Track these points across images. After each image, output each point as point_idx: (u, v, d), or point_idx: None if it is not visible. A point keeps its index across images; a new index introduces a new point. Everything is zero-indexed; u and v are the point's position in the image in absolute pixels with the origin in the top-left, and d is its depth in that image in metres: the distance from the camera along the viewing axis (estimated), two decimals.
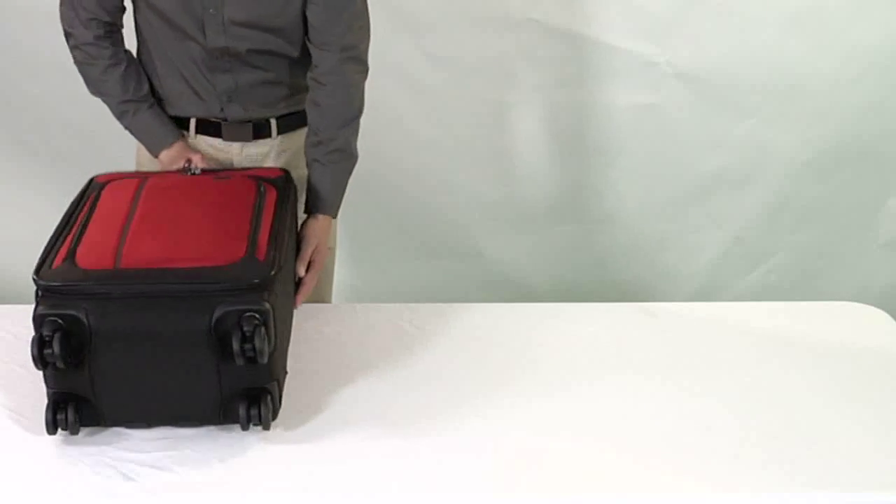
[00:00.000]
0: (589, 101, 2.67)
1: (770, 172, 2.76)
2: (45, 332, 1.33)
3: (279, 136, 1.91)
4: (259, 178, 1.68)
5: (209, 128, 1.89)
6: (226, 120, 1.87)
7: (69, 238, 1.48)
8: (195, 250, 1.45)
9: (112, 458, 1.38)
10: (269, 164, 1.90)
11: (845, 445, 1.44)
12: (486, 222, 2.86)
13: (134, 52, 1.91)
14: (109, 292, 1.38)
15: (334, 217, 1.87)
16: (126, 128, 1.90)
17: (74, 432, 1.39)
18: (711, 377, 1.62)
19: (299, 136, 1.92)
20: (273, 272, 1.42)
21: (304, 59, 1.85)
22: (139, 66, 1.88)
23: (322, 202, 1.83)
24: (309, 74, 1.82)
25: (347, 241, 2.79)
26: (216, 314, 1.36)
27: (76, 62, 1.89)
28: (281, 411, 1.47)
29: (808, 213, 2.83)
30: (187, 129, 1.90)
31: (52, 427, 1.38)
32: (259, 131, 1.88)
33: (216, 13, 1.76)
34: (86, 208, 1.55)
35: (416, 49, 2.54)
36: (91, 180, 1.66)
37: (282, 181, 1.70)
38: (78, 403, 1.38)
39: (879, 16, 2.56)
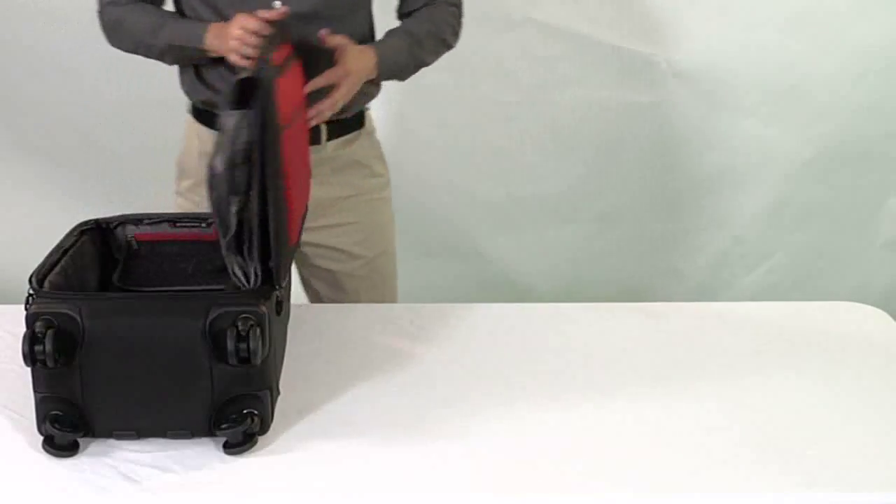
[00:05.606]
0: (589, 100, 2.67)
1: (770, 172, 2.77)
2: (38, 329, 1.33)
3: (330, 143, 1.86)
4: None
5: None
6: None
7: (64, 257, 1.49)
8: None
9: (112, 459, 1.38)
10: (320, 172, 1.81)
11: (845, 445, 1.44)
12: (486, 222, 2.87)
13: None
14: (104, 291, 1.38)
15: (379, 69, 1.80)
16: (164, 45, 1.80)
17: (71, 451, 1.40)
18: (711, 377, 1.62)
19: (352, 147, 1.89)
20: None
21: None
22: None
23: (377, 45, 1.81)
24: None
25: None
26: (211, 315, 1.36)
27: (102, 16, 1.84)
28: (281, 411, 1.47)
29: (808, 213, 2.83)
30: None
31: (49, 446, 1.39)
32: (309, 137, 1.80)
33: (282, 6, 1.71)
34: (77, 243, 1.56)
35: None
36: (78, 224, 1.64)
37: None
38: (67, 416, 1.38)
39: (879, 16, 2.56)
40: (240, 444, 1.39)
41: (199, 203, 1.88)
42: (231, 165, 1.36)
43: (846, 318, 1.84)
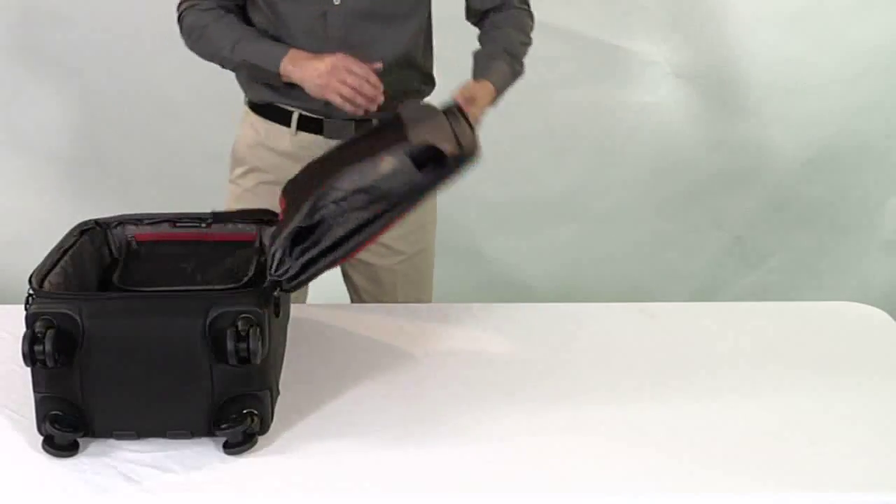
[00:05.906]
0: (589, 100, 2.67)
1: (770, 172, 2.77)
2: (38, 329, 1.33)
3: None
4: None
5: (311, 125, 1.84)
6: (329, 117, 1.82)
7: (64, 257, 1.49)
8: None
9: (112, 459, 1.38)
10: None
11: (845, 445, 1.44)
12: (486, 222, 2.87)
13: None
14: (104, 291, 1.38)
15: (492, 101, 1.80)
16: (240, 61, 1.81)
17: (71, 451, 1.40)
18: (711, 377, 1.62)
19: None
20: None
21: (416, 57, 1.84)
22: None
23: (493, 80, 1.80)
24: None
25: None
26: (211, 315, 1.36)
27: (183, 19, 1.85)
28: (281, 411, 1.47)
29: (808, 213, 2.84)
30: (289, 124, 1.86)
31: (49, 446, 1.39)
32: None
33: (341, 4, 1.74)
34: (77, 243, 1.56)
35: None
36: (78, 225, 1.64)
37: None
38: (67, 416, 1.38)
39: (879, 16, 2.56)
40: (240, 444, 1.39)
41: (249, 188, 1.91)
42: (360, 191, 1.40)
43: (846, 318, 1.84)
